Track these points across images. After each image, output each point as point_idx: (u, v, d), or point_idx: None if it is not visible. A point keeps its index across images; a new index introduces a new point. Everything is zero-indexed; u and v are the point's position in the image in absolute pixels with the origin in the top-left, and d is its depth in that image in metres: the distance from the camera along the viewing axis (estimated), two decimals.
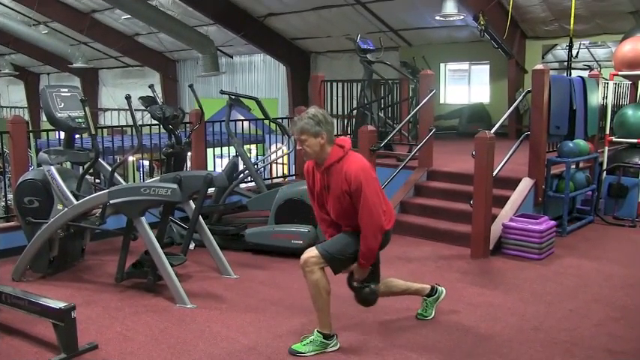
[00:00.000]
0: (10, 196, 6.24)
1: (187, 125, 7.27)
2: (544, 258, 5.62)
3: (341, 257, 3.58)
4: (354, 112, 8.75)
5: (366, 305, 3.79)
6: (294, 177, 8.43)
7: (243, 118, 8.87)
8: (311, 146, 3.45)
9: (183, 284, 4.62)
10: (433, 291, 4.20)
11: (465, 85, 14.65)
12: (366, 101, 8.37)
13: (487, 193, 5.70)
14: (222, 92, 6.91)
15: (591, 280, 5.03)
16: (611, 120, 7.80)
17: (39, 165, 5.18)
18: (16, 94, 26.00)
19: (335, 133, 9.00)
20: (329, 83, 8.77)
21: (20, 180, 5.25)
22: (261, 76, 17.60)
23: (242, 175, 6.92)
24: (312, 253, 3.55)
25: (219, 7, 13.80)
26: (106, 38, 17.49)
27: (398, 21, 12.93)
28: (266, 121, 7.56)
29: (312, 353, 3.60)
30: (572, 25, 9.29)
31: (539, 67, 6.39)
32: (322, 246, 3.60)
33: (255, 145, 12.04)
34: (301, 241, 5.52)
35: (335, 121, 9.22)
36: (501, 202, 6.17)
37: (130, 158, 10.63)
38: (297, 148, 3.57)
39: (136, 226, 4.61)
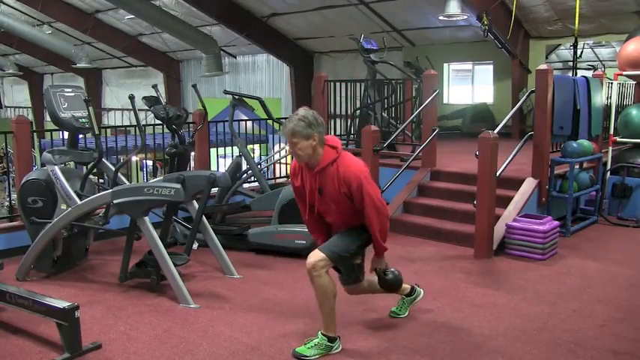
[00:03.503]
0: (14, 196, 6.25)
1: (191, 125, 7.28)
2: (548, 258, 5.61)
3: (347, 254, 3.58)
4: (358, 112, 8.75)
5: (396, 289, 3.96)
6: None
7: (246, 118, 8.88)
8: (303, 149, 3.38)
9: (187, 284, 4.63)
10: (412, 291, 4.22)
11: (469, 85, 14.65)
12: (369, 101, 8.37)
13: (490, 193, 5.69)
14: (226, 92, 6.92)
15: (595, 280, 5.02)
16: (615, 120, 7.78)
17: (43, 165, 5.18)
18: (20, 94, 26.09)
19: (337, 133, 8.97)
20: (332, 83, 8.77)
21: (24, 180, 5.26)
22: (265, 76, 17.60)
23: (245, 175, 6.93)
24: (318, 256, 3.49)
25: (223, 7, 13.80)
26: (110, 38, 17.53)
27: (401, 21, 12.92)
28: (269, 121, 7.56)
29: (316, 357, 3.57)
30: (576, 25, 9.28)
31: (543, 67, 6.37)
32: (327, 247, 3.56)
33: (258, 145, 12.06)
34: (304, 241, 5.52)
35: (338, 121, 9.24)
36: (505, 202, 6.16)
37: (134, 158, 10.64)
38: (288, 150, 3.55)
39: (139, 225, 4.62)
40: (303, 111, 3.42)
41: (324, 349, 3.59)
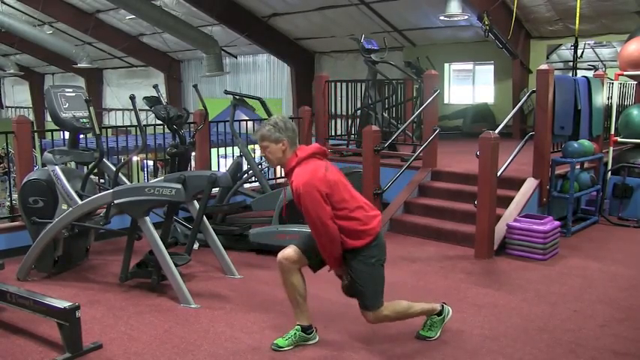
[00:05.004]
0: (14, 196, 6.26)
1: (191, 125, 7.28)
2: (548, 258, 5.61)
3: (378, 287, 3.52)
4: (358, 112, 8.75)
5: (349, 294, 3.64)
6: None
7: (247, 118, 8.88)
8: (272, 153, 3.47)
9: (188, 284, 4.63)
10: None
11: (470, 85, 14.64)
12: (370, 101, 8.36)
13: (491, 193, 5.69)
14: (227, 92, 6.92)
15: (596, 280, 5.02)
16: (616, 120, 7.78)
17: (43, 165, 5.19)
18: (21, 94, 26.12)
19: (338, 133, 8.92)
20: (333, 83, 8.77)
21: (25, 180, 5.26)
22: (265, 77, 17.61)
23: (246, 175, 6.93)
24: (368, 317, 3.52)
25: (224, 7, 13.82)
26: (111, 38, 17.55)
27: (402, 21, 12.93)
28: None
29: (438, 334, 3.80)
30: (577, 25, 9.27)
31: (544, 67, 6.38)
32: (366, 301, 3.51)
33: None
34: None
35: (339, 121, 9.23)
36: (505, 202, 6.16)
37: (135, 158, 10.65)
38: (260, 155, 3.58)
39: (140, 226, 4.62)
40: (275, 117, 3.56)
41: (440, 322, 3.85)
